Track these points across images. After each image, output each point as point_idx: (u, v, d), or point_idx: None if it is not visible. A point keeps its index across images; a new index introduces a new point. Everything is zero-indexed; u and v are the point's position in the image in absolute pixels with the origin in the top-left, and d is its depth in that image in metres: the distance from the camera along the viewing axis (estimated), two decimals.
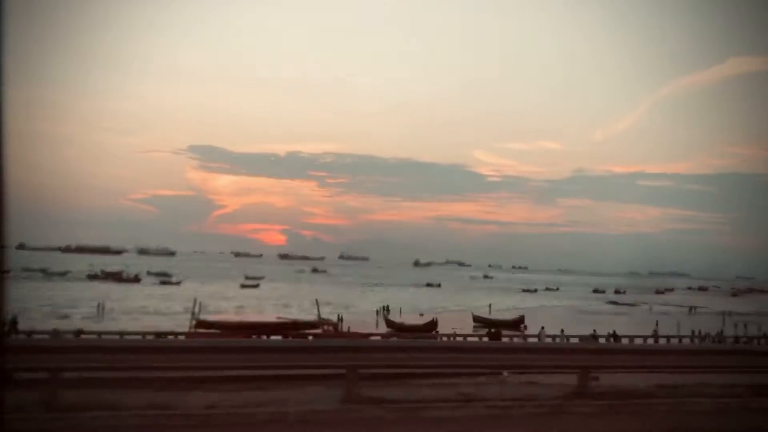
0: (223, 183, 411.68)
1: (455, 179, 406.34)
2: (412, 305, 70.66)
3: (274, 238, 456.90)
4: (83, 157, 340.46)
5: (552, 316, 65.94)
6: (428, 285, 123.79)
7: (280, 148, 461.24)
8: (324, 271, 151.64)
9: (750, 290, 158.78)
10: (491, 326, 44.23)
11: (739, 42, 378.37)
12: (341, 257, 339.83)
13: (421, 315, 56.91)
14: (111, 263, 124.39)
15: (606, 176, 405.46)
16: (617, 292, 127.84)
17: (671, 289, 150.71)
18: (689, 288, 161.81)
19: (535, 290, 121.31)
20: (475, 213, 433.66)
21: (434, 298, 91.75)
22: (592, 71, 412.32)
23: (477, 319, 52.32)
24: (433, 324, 44.52)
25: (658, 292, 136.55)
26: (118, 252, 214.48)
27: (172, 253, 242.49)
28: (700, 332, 43.89)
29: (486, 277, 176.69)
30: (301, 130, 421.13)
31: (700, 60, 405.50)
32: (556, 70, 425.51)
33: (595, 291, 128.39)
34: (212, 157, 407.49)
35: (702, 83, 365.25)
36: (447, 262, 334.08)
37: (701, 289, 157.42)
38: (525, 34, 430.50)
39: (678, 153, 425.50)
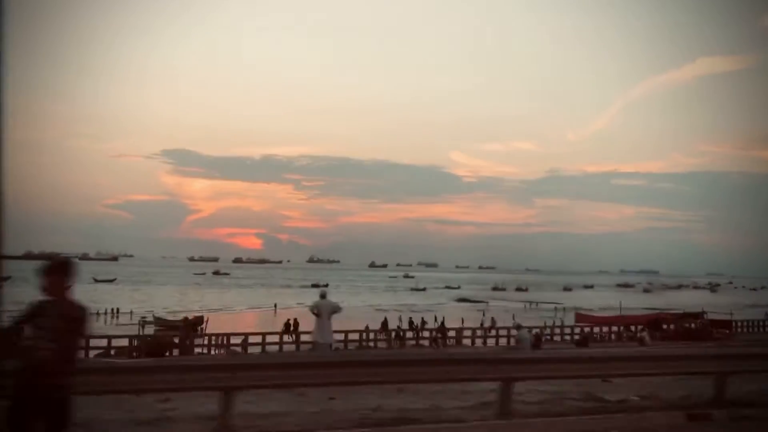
0: (197, 187, 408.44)
1: (432, 181, 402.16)
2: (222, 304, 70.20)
3: (250, 242, 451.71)
4: (56, 163, 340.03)
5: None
6: (314, 285, 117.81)
7: (255, 152, 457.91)
8: (226, 274, 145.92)
9: (679, 286, 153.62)
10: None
11: (708, 42, 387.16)
12: (310, 261, 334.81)
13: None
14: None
15: (580, 176, 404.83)
16: (519, 289, 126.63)
17: (591, 286, 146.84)
18: (618, 285, 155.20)
19: (424, 289, 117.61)
20: (452, 214, 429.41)
21: (273, 298, 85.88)
22: (566, 72, 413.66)
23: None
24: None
25: (566, 289, 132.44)
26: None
27: (115, 259, 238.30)
28: (482, 324, 44.88)
29: (407, 276, 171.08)
30: (276, 133, 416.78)
31: (671, 60, 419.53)
32: (530, 71, 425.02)
33: (494, 289, 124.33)
34: (186, 162, 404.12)
35: (673, 83, 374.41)
36: (418, 264, 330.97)
37: (627, 285, 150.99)
38: (499, 36, 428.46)
39: (651, 152, 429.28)
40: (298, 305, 73.18)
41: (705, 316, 43.01)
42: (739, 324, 44.84)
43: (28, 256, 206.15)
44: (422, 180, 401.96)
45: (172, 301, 69.16)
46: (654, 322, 37.17)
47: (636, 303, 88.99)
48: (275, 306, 66.79)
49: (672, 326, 37.18)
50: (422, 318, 49.13)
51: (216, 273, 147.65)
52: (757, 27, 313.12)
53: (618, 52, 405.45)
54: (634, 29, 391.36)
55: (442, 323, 43.99)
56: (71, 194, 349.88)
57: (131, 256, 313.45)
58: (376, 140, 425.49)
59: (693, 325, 37.49)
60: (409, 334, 38.38)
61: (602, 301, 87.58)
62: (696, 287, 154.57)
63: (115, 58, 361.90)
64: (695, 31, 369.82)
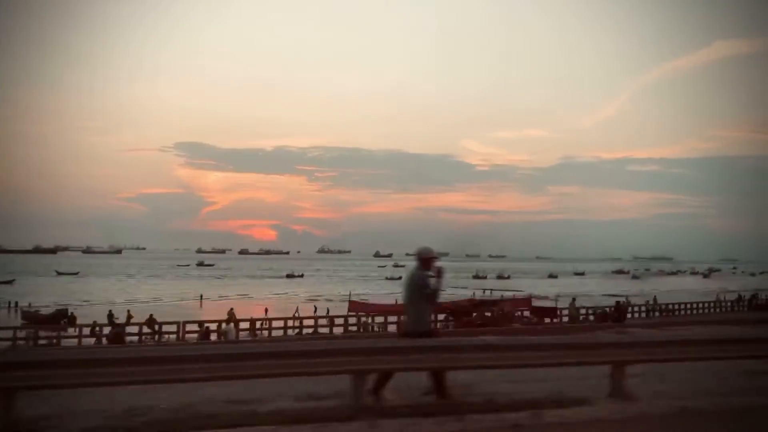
0: (211, 180, 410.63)
1: (444, 169, 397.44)
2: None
3: (265, 233, 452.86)
4: (70, 157, 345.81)
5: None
6: (288, 276, 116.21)
7: (267, 144, 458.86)
8: (211, 265, 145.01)
9: (677, 272, 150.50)
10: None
11: (725, 25, 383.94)
12: (321, 251, 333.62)
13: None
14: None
15: (594, 163, 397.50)
16: (500, 277, 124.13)
17: (582, 273, 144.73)
18: (613, 272, 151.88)
19: (400, 277, 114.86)
20: (465, 203, 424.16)
21: (234, 289, 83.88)
22: (579, 58, 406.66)
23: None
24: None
25: (551, 276, 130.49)
26: (53, 251, 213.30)
27: (119, 251, 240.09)
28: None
29: (397, 266, 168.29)
30: (288, 124, 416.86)
31: (686, 44, 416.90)
32: (542, 58, 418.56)
33: (475, 277, 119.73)
34: (199, 154, 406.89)
35: (687, 67, 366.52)
36: None
37: (621, 272, 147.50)
38: (511, 23, 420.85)
39: (665, 137, 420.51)
40: (239, 296, 72.95)
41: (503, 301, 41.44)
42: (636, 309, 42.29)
43: (37, 250, 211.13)
44: (434, 169, 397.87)
45: (98, 294, 67.30)
46: (455, 310, 34.01)
47: (606, 289, 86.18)
48: (201, 297, 64.87)
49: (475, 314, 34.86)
50: (327, 309, 47.53)
51: (200, 264, 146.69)
52: None
53: (633, 36, 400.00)
54: (649, 13, 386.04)
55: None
56: (85, 188, 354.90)
57: (143, 248, 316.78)
58: (387, 130, 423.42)
59: (491, 314, 35.54)
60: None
61: (568, 288, 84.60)
62: (694, 273, 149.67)
63: (127, 51, 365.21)
64: (713, 14, 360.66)
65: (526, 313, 38.55)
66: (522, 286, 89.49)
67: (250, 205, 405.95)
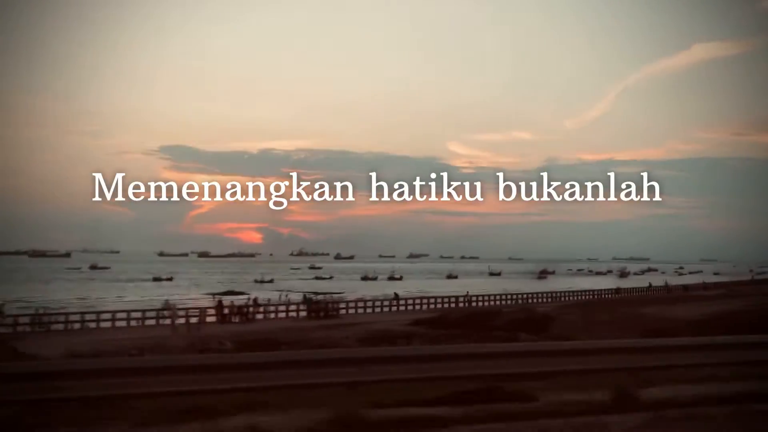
0: (196, 182, 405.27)
1: (430, 172, 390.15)
2: None
3: (251, 236, 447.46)
4: (56, 160, 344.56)
5: None
6: (155, 279, 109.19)
7: (252, 146, 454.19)
8: (106, 268, 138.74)
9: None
10: None
11: (704, 28, 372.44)
12: (299, 254, 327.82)
13: None
14: None
15: (577, 165, 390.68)
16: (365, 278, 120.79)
17: (552, 272, 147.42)
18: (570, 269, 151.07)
19: (331, 277, 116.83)
20: (452, 205, 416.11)
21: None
22: (562, 61, 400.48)
23: None
24: None
25: (491, 274, 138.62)
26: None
27: (68, 255, 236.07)
28: None
29: (313, 267, 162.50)
30: (272, 127, 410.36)
31: (665, 47, 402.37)
32: (526, 60, 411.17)
33: (365, 278, 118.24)
34: (184, 157, 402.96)
35: (667, 70, 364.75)
36: (408, 256, 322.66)
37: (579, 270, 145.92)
38: (495, 24, 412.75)
39: (648, 139, 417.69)
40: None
41: None
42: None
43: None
44: (420, 171, 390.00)
45: None
46: None
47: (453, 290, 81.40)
48: None
49: None
50: None
51: (93, 267, 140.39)
52: (754, 11, 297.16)
53: (613, 39, 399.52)
54: (629, 16, 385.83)
55: None
56: (72, 191, 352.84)
57: (117, 252, 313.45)
58: (373, 133, 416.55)
59: None
60: None
61: (440, 288, 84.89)
62: (624, 274, 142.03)
63: (111, 54, 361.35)
64: (691, 16, 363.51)
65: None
66: (406, 287, 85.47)
67: (236, 208, 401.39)
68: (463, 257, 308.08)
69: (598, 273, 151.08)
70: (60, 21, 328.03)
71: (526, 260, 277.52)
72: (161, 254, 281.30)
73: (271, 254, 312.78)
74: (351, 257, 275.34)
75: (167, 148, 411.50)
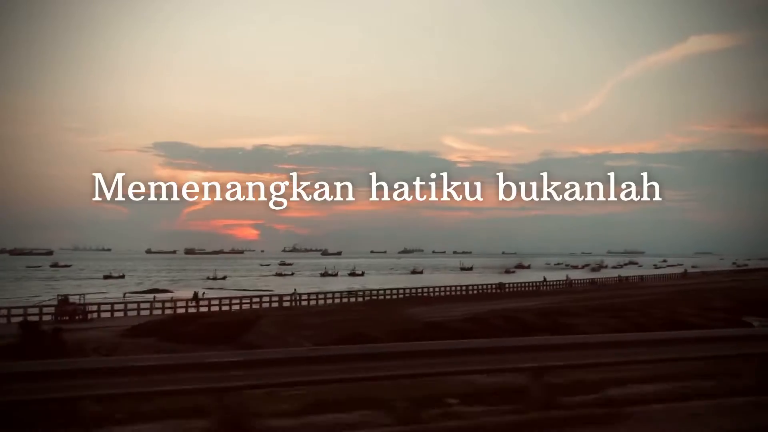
0: (191, 179, 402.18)
1: (426, 167, 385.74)
2: None
3: (247, 233, 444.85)
4: (49, 158, 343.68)
5: None
6: (106, 277, 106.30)
7: (247, 142, 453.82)
8: (67, 266, 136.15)
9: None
10: None
11: (700, 20, 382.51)
12: (292, 250, 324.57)
13: None
14: None
15: (573, 158, 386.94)
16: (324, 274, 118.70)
17: (528, 266, 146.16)
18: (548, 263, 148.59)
19: (292, 273, 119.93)
20: (447, 200, 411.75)
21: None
22: (557, 54, 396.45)
23: None
24: None
25: (463, 269, 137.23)
26: None
27: (50, 252, 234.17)
28: None
29: (283, 264, 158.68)
30: (267, 123, 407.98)
31: (662, 40, 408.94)
32: (521, 53, 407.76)
33: (324, 274, 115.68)
34: (178, 154, 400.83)
35: (664, 63, 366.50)
36: (401, 252, 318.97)
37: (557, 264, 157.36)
38: (490, 18, 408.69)
39: (643, 132, 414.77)
40: None
41: None
42: None
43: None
44: (416, 166, 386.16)
45: None
46: None
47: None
48: None
49: None
50: None
51: (54, 266, 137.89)
52: (750, 4, 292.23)
53: (609, 32, 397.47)
54: (625, 9, 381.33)
55: None
56: (64, 189, 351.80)
57: (108, 249, 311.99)
58: (368, 128, 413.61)
59: None
60: None
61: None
62: (595, 268, 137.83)
63: (104, 50, 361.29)
64: (686, 9, 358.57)
65: None
66: (365, 283, 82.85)
67: (231, 204, 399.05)
68: (455, 252, 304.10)
69: (574, 267, 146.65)
70: (50, 18, 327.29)
71: (519, 255, 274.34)
72: (149, 251, 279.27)
73: (262, 251, 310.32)
74: (338, 253, 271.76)
75: (161, 145, 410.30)
